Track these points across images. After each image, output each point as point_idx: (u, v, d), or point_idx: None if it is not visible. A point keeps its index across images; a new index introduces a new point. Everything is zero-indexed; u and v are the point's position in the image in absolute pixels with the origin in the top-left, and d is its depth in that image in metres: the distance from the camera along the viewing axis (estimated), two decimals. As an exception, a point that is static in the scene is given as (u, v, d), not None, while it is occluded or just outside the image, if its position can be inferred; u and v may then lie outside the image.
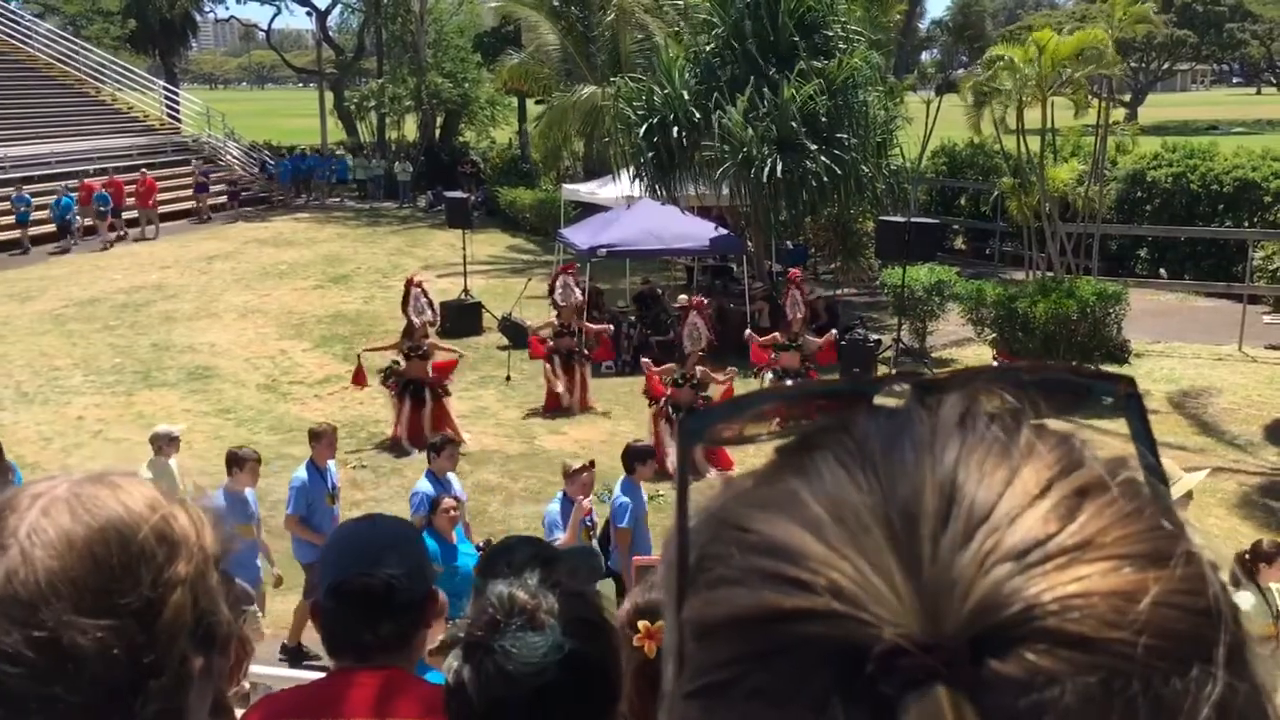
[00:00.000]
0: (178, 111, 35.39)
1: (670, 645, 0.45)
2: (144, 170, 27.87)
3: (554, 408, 13.87)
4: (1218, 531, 10.11)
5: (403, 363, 12.54)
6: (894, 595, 0.39)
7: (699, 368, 12.16)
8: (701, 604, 0.44)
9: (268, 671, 6.68)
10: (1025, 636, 0.38)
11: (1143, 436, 0.47)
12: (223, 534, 1.05)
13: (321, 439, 8.90)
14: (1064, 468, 0.43)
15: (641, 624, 2.42)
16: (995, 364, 0.51)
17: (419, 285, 12.76)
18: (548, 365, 13.84)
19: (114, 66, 35.36)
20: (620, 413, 13.77)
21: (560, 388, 13.76)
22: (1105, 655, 0.38)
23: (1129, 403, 0.47)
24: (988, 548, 0.40)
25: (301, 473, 8.73)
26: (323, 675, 2.57)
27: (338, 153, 38.44)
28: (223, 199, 31.56)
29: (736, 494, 0.46)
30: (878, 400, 0.47)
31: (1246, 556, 6.37)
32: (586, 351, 14.10)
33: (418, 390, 12.44)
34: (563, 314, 13.93)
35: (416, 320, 12.57)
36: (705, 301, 13.87)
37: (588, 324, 14.32)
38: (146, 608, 0.94)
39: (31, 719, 0.90)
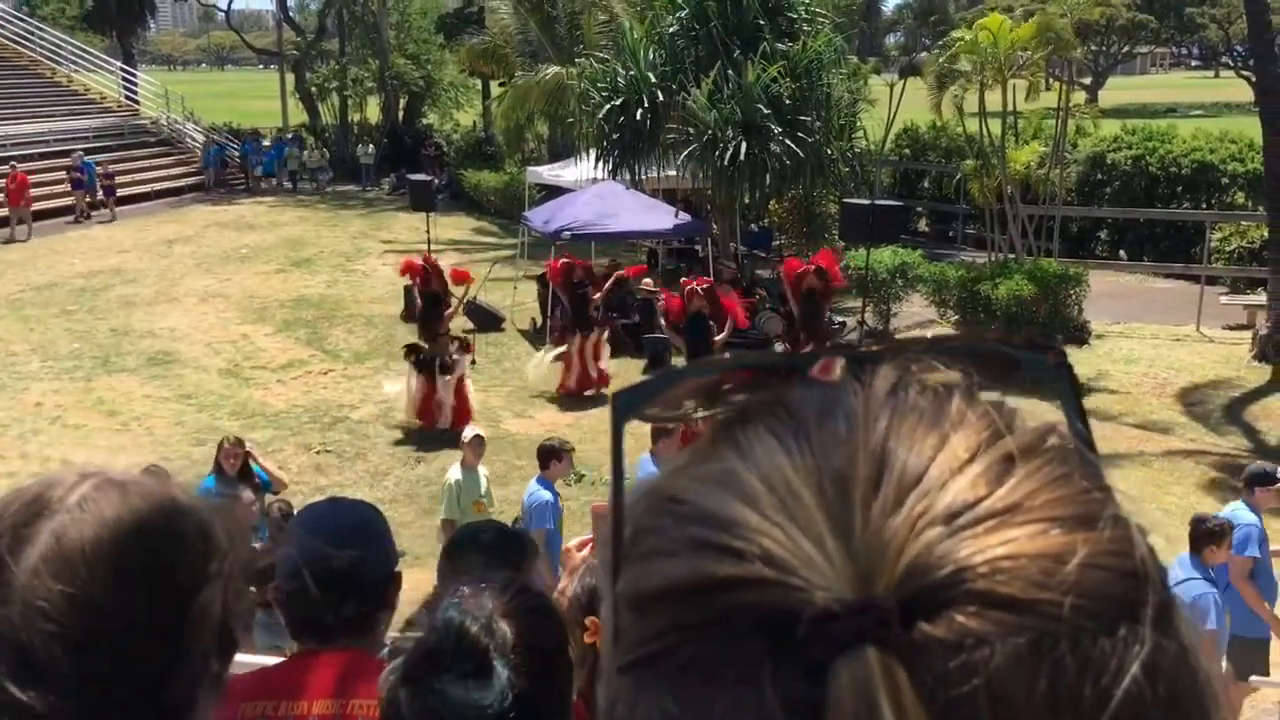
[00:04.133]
0: (136, 93, 34.86)
1: (606, 620, 0.45)
2: (14, 164, 25.17)
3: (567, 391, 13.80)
4: (1176, 510, 10.25)
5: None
6: (825, 560, 0.39)
7: None
8: (635, 576, 0.44)
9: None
10: (955, 599, 0.39)
11: (1072, 404, 0.47)
12: (252, 550, 1.09)
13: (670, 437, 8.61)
14: (993, 434, 0.43)
15: (590, 620, 2.39)
16: (927, 335, 0.51)
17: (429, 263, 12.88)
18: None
19: (70, 47, 34.75)
20: (589, 397, 13.76)
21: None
22: (1034, 616, 0.39)
23: (1059, 372, 0.48)
24: (918, 511, 0.40)
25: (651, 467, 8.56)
26: (285, 658, 2.56)
27: (264, 142, 34.89)
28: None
29: (671, 468, 0.47)
30: (810, 373, 0.47)
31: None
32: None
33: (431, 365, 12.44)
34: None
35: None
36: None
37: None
38: (182, 594, 0.96)
39: (58, 695, 0.91)
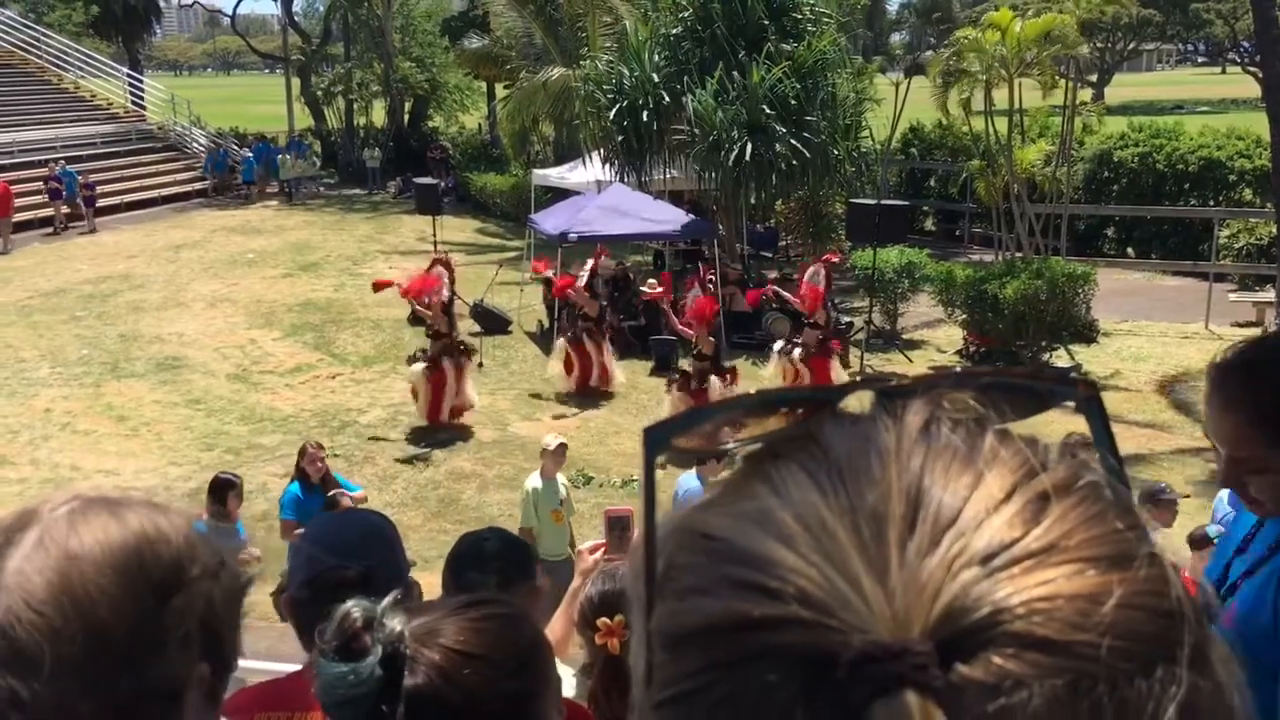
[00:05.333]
0: (142, 99, 34.92)
1: (639, 655, 0.45)
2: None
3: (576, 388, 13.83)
4: (1184, 509, 10.20)
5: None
6: (862, 601, 0.39)
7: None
8: (669, 614, 0.44)
9: (242, 664, 6.64)
10: (992, 640, 0.39)
11: (1104, 438, 0.47)
12: (238, 576, 1.17)
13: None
14: (1028, 472, 0.43)
15: (600, 621, 2.36)
16: (957, 369, 0.50)
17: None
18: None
19: (77, 53, 34.81)
20: (596, 398, 13.76)
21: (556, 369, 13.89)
22: (1071, 658, 0.38)
23: (1089, 405, 0.48)
24: (954, 552, 0.40)
25: None
26: (298, 668, 2.56)
27: (243, 152, 33.31)
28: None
29: (703, 502, 0.46)
30: (842, 407, 0.47)
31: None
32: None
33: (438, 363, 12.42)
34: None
35: (431, 299, 12.49)
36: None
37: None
38: (162, 589, 1.03)
39: (40, 682, 0.97)
